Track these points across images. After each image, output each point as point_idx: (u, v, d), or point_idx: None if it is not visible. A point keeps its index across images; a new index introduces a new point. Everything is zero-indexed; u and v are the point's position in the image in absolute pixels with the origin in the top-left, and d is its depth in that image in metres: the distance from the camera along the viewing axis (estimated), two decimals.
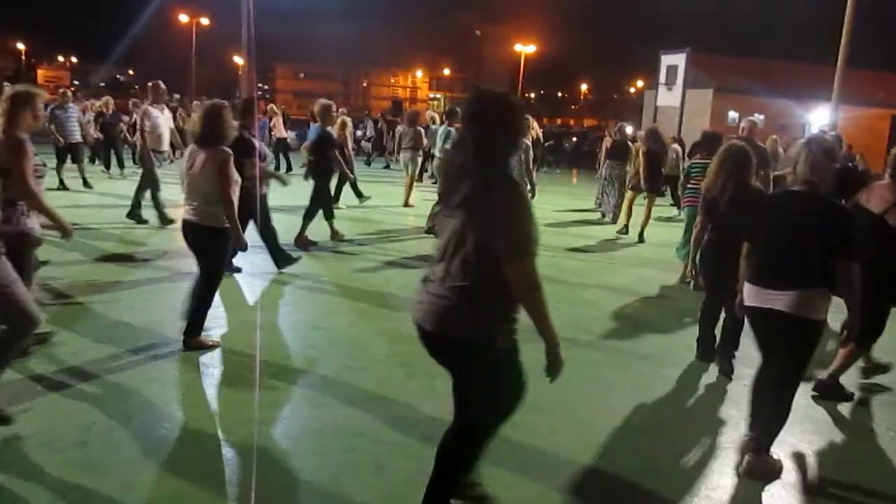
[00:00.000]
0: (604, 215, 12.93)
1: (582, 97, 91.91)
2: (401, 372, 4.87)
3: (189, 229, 4.97)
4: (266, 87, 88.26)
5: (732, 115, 31.82)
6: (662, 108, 25.95)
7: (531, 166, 10.92)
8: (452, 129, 11.30)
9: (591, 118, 70.97)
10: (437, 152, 11.06)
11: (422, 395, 4.43)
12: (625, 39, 70.34)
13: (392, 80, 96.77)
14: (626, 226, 11.20)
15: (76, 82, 75.09)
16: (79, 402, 4.08)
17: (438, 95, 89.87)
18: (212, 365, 4.83)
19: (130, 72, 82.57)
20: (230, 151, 4.87)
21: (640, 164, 10.69)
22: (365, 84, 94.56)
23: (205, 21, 48.87)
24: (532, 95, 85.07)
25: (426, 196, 13.96)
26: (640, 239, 10.67)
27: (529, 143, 11.38)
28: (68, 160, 12.73)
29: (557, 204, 14.69)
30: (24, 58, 78.43)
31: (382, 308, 6.42)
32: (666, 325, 6.52)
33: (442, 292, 2.66)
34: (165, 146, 9.65)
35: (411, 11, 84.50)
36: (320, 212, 8.86)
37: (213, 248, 4.96)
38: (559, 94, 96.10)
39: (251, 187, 6.78)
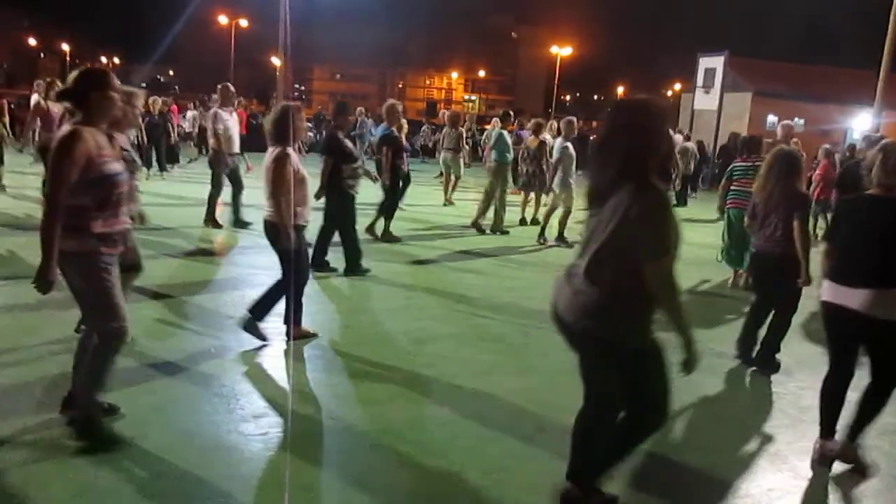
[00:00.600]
0: None
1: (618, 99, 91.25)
2: (429, 371, 4.89)
3: (265, 226, 5.14)
4: (303, 87, 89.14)
5: (771, 119, 31.29)
6: (699, 112, 25.71)
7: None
8: (505, 133, 11.32)
9: None
10: (492, 155, 10.94)
11: (446, 394, 4.46)
12: (662, 42, 69.81)
13: (427, 82, 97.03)
14: None
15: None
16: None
17: (473, 97, 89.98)
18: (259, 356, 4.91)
19: (171, 72, 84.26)
20: (289, 151, 4.99)
21: None
22: (400, 86, 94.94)
23: (244, 23, 49.55)
24: (567, 98, 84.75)
25: (464, 196, 14.04)
26: None
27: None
28: None
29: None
30: (68, 58, 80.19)
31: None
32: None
33: (583, 288, 2.79)
34: (236, 148, 9.76)
35: (448, 14, 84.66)
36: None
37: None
38: (595, 97, 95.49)
39: (349, 187, 7.21)
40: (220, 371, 4.65)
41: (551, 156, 10.82)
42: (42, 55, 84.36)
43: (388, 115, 8.99)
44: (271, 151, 5.01)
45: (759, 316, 5.48)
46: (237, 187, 9.69)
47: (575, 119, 10.51)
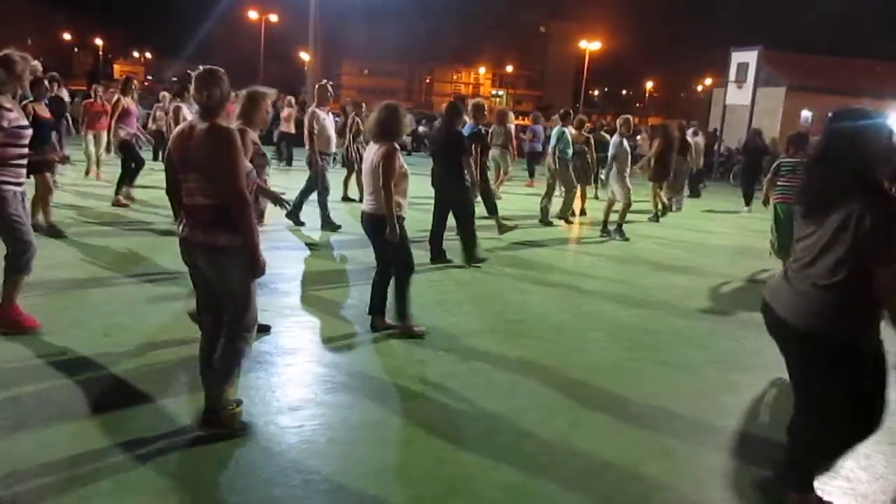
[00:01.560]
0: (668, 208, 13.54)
1: (647, 95, 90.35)
2: (464, 367, 4.89)
3: (366, 219, 5.34)
4: (331, 82, 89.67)
5: (805, 114, 30.83)
6: (732, 107, 25.36)
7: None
8: (566, 130, 11.32)
9: (657, 116, 69.65)
10: (553, 153, 11.27)
11: (482, 391, 4.46)
12: (693, 36, 68.89)
13: (455, 77, 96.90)
14: (657, 213, 12.44)
15: (150, 77, 77.57)
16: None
17: (501, 92, 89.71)
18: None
19: (201, 67, 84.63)
20: (396, 146, 5.18)
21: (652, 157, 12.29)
22: (428, 81, 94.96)
23: (273, 18, 49.88)
24: (595, 92, 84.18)
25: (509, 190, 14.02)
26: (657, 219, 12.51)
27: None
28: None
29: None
30: (101, 53, 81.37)
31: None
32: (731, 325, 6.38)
33: (806, 289, 2.99)
34: (333, 148, 9.81)
35: (476, 8, 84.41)
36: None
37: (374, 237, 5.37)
38: (623, 92, 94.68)
39: (469, 181, 7.68)
40: (256, 364, 4.67)
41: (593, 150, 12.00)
42: (76, 50, 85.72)
43: (476, 112, 9.14)
44: (378, 148, 5.15)
45: None
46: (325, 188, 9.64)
47: (631, 117, 10.91)
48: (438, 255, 8.01)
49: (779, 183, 8.18)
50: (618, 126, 10.54)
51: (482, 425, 3.98)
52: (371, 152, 5.23)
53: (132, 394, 4.09)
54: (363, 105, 10.71)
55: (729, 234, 12.13)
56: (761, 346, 4.91)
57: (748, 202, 15.29)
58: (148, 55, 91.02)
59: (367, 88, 73.79)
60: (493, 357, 5.11)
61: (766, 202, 8.51)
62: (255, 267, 3.46)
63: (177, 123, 8.55)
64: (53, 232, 7.90)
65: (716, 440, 4.05)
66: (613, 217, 10.62)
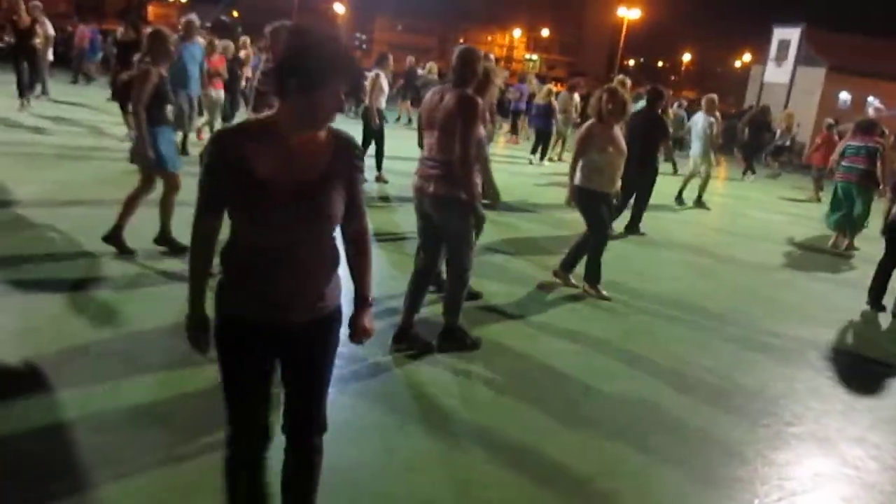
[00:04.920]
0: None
1: (683, 68, 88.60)
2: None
3: (580, 193, 5.79)
4: (364, 37, 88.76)
5: (844, 96, 30.10)
6: (769, 85, 24.88)
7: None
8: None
9: (691, 90, 68.41)
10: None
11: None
12: (734, 9, 67.22)
13: (489, 39, 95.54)
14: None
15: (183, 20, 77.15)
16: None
17: (535, 56, 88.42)
18: None
19: (234, 13, 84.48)
20: (596, 124, 5.67)
21: None
22: (462, 41, 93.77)
23: None
24: (631, 62, 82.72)
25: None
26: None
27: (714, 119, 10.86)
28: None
29: None
30: None
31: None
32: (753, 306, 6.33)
33: None
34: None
35: None
36: None
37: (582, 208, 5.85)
38: (659, 64, 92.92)
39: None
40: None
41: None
42: None
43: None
44: (583, 125, 5.78)
45: (887, 270, 6.52)
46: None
47: (716, 97, 11.22)
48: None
49: (842, 164, 8.92)
50: (703, 105, 11.02)
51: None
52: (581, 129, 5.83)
53: None
54: (389, 57, 10.33)
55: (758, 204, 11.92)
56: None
57: (752, 171, 15.89)
58: None
59: (400, 44, 73.11)
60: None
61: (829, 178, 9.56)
62: (477, 218, 4.19)
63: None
64: None
65: None
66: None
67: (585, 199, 5.74)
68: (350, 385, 3.82)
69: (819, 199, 13.60)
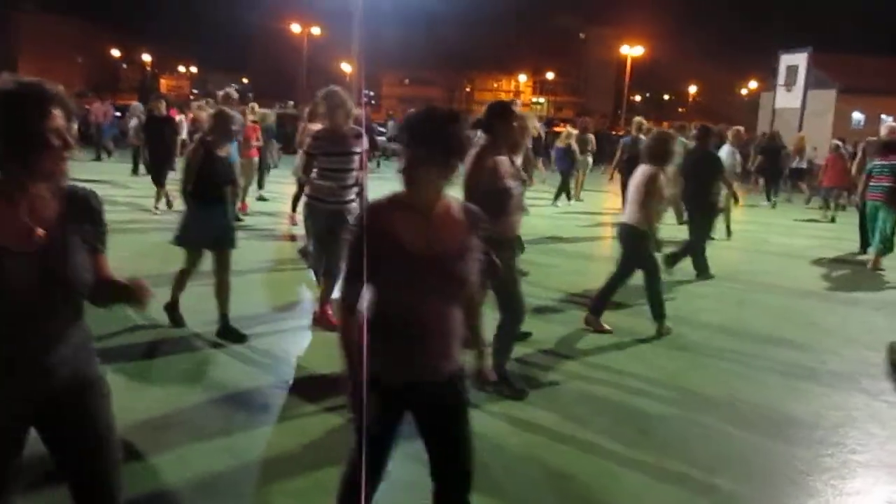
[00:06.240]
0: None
1: (690, 99, 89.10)
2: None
3: (625, 231, 5.88)
4: (372, 93, 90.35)
5: (857, 116, 30.15)
6: (780, 111, 24.89)
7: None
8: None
9: (700, 120, 68.55)
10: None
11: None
12: (737, 39, 67.92)
13: (495, 85, 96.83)
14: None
15: (195, 91, 79.18)
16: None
17: (542, 99, 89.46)
18: None
19: (244, 80, 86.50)
20: (658, 169, 5.72)
21: None
22: (468, 89, 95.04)
23: (316, 31, 50.35)
24: (637, 98, 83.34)
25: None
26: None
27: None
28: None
29: None
30: (149, 67, 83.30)
31: None
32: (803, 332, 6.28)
33: None
34: None
35: (515, 16, 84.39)
36: None
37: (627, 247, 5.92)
38: (665, 97, 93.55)
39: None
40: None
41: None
42: (124, 65, 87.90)
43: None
44: (645, 170, 5.73)
45: None
46: None
47: (742, 128, 11.34)
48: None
49: (871, 183, 9.19)
50: (729, 137, 10.89)
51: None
52: (639, 172, 5.80)
53: None
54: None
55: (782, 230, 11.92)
56: None
57: (770, 197, 16.03)
58: (193, 69, 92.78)
59: (408, 98, 74.26)
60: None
61: (861, 198, 9.55)
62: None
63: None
64: None
65: None
66: None
67: (637, 239, 5.76)
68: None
69: (833, 220, 13.69)
